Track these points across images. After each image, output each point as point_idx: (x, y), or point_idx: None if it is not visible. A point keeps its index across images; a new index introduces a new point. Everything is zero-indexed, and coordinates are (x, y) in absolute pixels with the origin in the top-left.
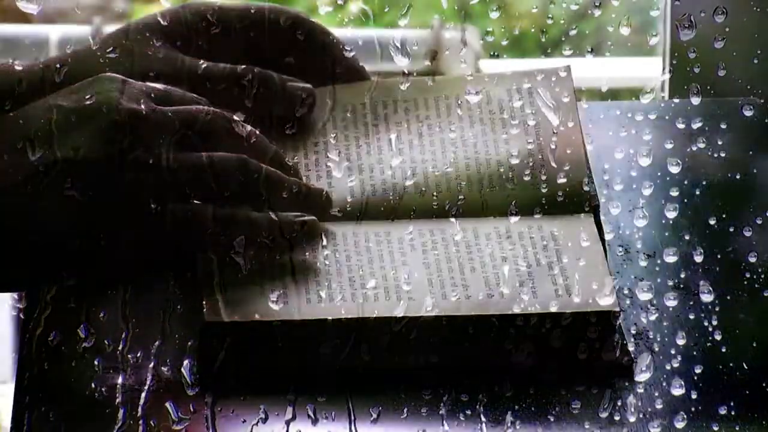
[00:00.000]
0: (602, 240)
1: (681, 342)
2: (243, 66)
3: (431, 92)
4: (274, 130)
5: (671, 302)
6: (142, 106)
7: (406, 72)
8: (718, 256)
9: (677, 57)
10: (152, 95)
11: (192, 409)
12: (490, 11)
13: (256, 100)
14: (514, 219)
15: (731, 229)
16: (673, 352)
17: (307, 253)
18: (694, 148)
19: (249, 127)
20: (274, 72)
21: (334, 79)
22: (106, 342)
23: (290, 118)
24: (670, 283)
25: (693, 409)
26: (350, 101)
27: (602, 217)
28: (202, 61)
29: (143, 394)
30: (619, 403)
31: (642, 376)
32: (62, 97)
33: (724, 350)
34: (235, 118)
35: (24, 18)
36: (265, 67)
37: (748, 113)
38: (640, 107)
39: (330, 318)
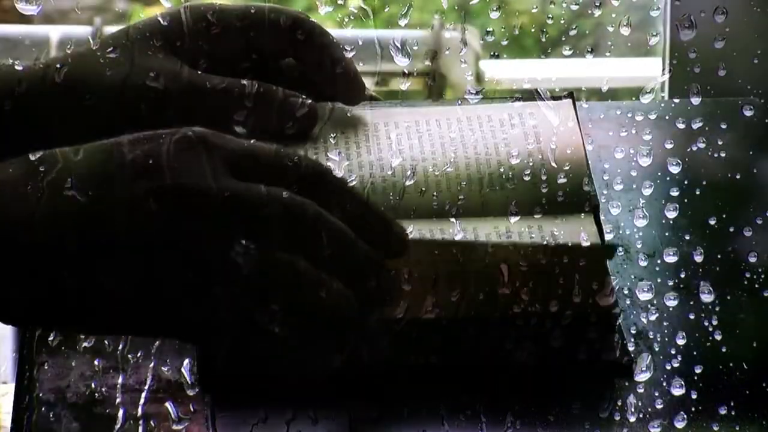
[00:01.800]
0: (602, 240)
1: (681, 342)
2: (243, 80)
3: (432, 114)
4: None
5: (671, 302)
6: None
7: (406, 72)
8: (718, 256)
9: (677, 57)
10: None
11: (192, 409)
12: (490, 11)
13: (256, 114)
14: (514, 219)
15: (731, 229)
16: (673, 352)
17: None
18: (694, 148)
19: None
20: (275, 86)
21: (333, 81)
22: (106, 342)
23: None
24: (670, 283)
25: (693, 409)
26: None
27: (602, 217)
28: (200, 73)
29: (143, 394)
30: (619, 403)
31: (642, 376)
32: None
33: (724, 350)
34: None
35: (24, 18)
36: (266, 69)
37: (748, 113)
38: (640, 107)
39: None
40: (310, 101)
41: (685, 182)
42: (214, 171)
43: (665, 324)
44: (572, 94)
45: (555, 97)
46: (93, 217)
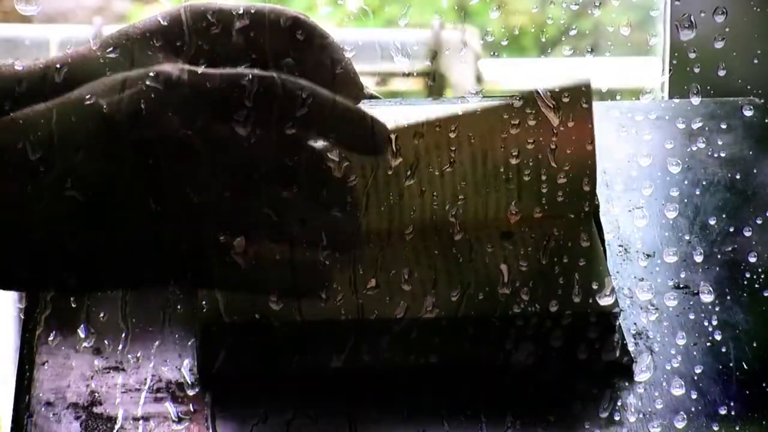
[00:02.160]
0: (602, 240)
1: (681, 342)
2: (241, 69)
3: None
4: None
5: (671, 302)
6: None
7: (406, 72)
8: (718, 256)
9: (677, 57)
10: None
11: (192, 409)
12: (490, 11)
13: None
14: (514, 219)
15: (731, 229)
16: (673, 352)
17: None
18: (694, 148)
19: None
20: (274, 72)
21: (332, 81)
22: (106, 342)
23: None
24: (670, 283)
25: (693, 409)
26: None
27: (602, 217)
28: (201, 68)
29: (143, 394)
30: (619, 403)
31: (642, 376)
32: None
33: (724, 350)
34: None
35: (24, 18)
36: (266, 69)
37: (748, 113)
38: (640, 107)
39: (330, 318)
40: (308, 84)
41: (685, 182)
42: (190, 115)
43: (665, 324)
44: (588, 84)
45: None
46: (81, 180)
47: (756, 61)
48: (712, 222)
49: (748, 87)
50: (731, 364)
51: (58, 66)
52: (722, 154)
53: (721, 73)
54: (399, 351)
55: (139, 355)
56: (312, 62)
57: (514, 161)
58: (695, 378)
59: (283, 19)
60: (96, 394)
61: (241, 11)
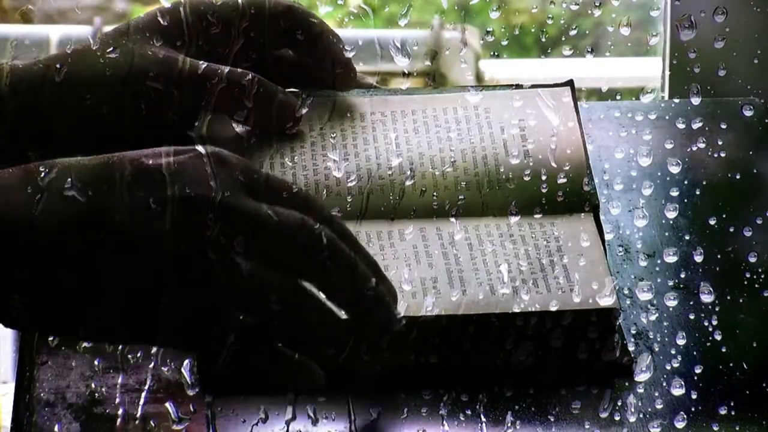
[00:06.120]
0: (602, 240)
1: (681, 342)
2: (242, 71)
3: (430, 103)
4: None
5: (671, 302)
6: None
7: (406, 72)
8: (718, 256)
9: (677, 57)
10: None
11: (192, 409)
12: (490, 11)
13: (252, 106)
14: (514, 219)
15: (731, 229)
16: (673, 352)
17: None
18: (694, 148)
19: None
20: (270, 81)
21: (333, 71)
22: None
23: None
24: (670, 283)
25: (693, 409)
26: (350, 107)
27: (602, 217)
28: (202, 63)
29: (143, 394)
30: (619, 403)
31: (642, 376)
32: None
33: (724, 350)
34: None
35: (24, 18)
36: (264, 61)
37: (748, 113)
38: (640, 107)
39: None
40: (297, 101)
41: (685, 182)
42: (224, 185)
43: (665, 324)
44: (572, 82)
45: (554, 85)
46: (93, 220)
47: (756, 61)
48: (712, 222)
49: (748, 87)
50: (731, 364)
51: (58, 65)
52: (722, 154)
53: (721, 73)
54: (399, 351)
55: (139, 355)
56: (307, 50)
57: (513, 160)
58: (695, 378)
59: (280, 9)
60: (96, 394)
61: (239, 6)
